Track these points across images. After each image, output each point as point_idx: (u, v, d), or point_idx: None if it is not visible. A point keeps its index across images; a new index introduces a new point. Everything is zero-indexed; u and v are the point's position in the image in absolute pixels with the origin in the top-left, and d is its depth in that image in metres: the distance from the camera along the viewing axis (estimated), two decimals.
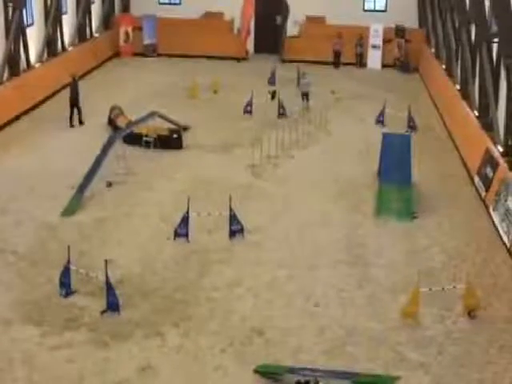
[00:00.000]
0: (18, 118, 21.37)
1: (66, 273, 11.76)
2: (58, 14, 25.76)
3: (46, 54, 25.19)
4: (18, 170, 17.23)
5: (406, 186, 15.81)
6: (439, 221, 15.19)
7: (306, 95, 23.04)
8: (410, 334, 11.02)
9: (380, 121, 22.10)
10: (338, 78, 28.51)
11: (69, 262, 11.76)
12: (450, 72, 24.66)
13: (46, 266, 12.62)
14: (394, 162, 16.37)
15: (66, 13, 27.24)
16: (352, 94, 25.85)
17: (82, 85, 25.89)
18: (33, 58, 23.96)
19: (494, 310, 11.70)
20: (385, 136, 17.27)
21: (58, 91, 24.39)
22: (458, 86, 22.98)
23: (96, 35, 30.26)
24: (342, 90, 26.14)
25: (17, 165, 17.58)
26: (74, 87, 20.96)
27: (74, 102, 20.84)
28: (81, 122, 20.99)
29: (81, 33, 28.54)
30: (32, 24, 24.36)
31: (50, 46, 25.37)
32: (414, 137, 18.98)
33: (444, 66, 25.86)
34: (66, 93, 24.70)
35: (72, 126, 20.75)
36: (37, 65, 24.06)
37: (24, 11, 22.91)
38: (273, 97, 23.72)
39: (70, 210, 15.00)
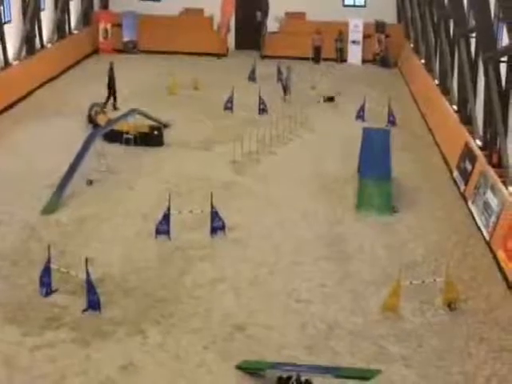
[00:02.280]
0: None
1: (46, 272, 11.68)
2: (36, 11, 25.52)
3: (24, 52, 24.93)
4: None
5: (385, 181, 15.86)
6: (419, 215, 15.31)
7: (286, 88, 23.73)
8: (390, 327, 11.11)
9: (360, 116, 22.19)
10: (319, 73, 28.55)
11: (49, 260, 11.68)
12: (429, 67, 24.82)
13: (27, 266, 12.53)
14: (374, 157, 16.37)
15: (44, 9, 26.99)
16: (332, 89, 25.89)
17: (60, 82, 25.93)
18: (11, 55, 23.69)
19: (474, 303, 11.83)
20: (365, 131, 17.31)
21: (35, 89, 24.20)
22: (437, 81, 23.13)
23: (75, 32, 30.03)
24: (322, 86, 26.18)
25: None
26: (111, 73, 22.17)
27: (111, 88, 22.09)
28: (115, 108, 21.83)
29: (59, 30, 28.30)
30: (10, 21, 24.12)
31: (29, 43, 25.12)
32: (394, 131, 19.08)
33: (423, 61, 26.02)
34: (44, 90, 24.66)
35: (115, 108, 21.89)
36: (14, 62, 23.81)
37: (1, 8, 22.65)
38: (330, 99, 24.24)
39: (49, 209, 14.90)
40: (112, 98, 22.26)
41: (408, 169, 17.93)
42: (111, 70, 22.36)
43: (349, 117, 22.36)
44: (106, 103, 21.83)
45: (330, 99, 23.75)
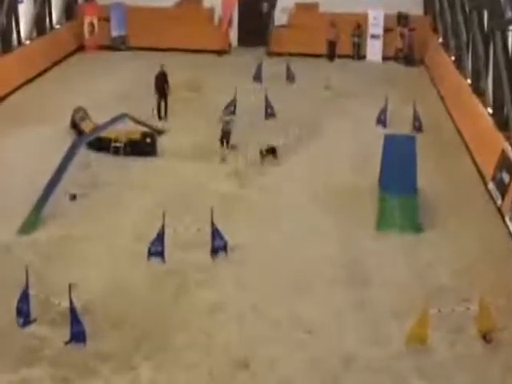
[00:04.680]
0: None
1: (23, 299, 11.77)
2: (12, 3, 25.81)
3: None
4: None
5: (410, 195, 15.90)
6: (448, 233, 15.35)
7: (226, 136, 19.12)
8: (416, 361, 11.13)
9: (381, 121, 22.24)
10: (333, 72, 28.69)
11: (27, 286, 11.78)
12: (459, 64, 24.92)
13: (1, 292, 12.61)
14: (397, 168, 16.43)
15: (22, 2, 27.29)
16: (349, 90, 26.02)
17: (39, 84, 26.14)
18: None
19: (511, 333, 11.84)
20: (386, 138, 17.37)
21: (11, 92, 24.41)
22: (469, 80, 23.23)
23: (57, 27, 30.31)
24: (337, 86, 26.31)
25: None
26: (161, 77, 21.97)
27: (162, 93, 22.02)
28: (165, 115, 22.15)
29: (39, 24, 28.58)
30: None
31: (4, 39, 25.38)
32: (420, 138, 19.11)
33: (453, 58, 26.13)
34: (21, 93, 24.82)
35: (160, 118, 21.94)
36: None
37: None
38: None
39: (27, 228, 15.00)
40: (163, 107, 22.20)
41: (436, 181, 17.97)
42: (162, 72, 22.04)
43: (368, 122, 22.39)
44: (159, 114, 21.94)
45: (271, 152, 18.75)
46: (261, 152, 18.69)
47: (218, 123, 18.91)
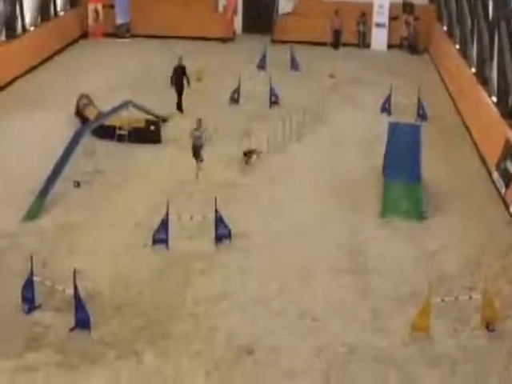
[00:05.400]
0: None
1: (28, 286, 11.77)
2: None
3: (3, 36, 25.10)
4: None
5: (414, 183, 15.88)
6: (452, 222, 15.30)
7: (197, 151, 17.56)
8: (419, 351, 11.11)
9: (386, 109, 22.19)
10: (338, 60, 28.58)
11: (32, 273, 11.77)
12: (464, 53, 24.78)
13: (6, 278, 12.61)
14: (402, 156, 16.42)
15: None
16: (353, 78, 25.93)
17: (43, 71, 26.08)
18: None
19: None
20: (391, 126, 17.34)
21: (15, 79, 24.35)
22: (473, 69, 23.10)
23: (61, 14, 30.20)
24: (341, 74, 26.21)
25: None
26: (179, 70, 21.36)
27: (180, 88, 21.44)
28: (180, 110, 21.59)
29: (44, 11, 28.47)
30: None
31: (8, 26, 25.29)
32: (424, 127, 19.05)
33: (458, 46, 25.99)
34: (26, 80, 24.76)
35: (182, 111, 21.52)
36: None
37: None
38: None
39: (31, 215, 15.00)
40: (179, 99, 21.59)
41: (440, 169, 17.92)
42: (180, 65, 21.46)
43: (372, 110, 22.34)
44: (180, 107, 21.52)
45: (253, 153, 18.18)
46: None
47: (188, 139, 17.66)
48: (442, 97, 24.46)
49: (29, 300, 11.77)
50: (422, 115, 21.75)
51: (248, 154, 18.01)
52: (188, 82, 21.42)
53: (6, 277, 12.70)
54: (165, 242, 13.89)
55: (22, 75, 24.92)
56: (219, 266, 13.43)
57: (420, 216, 15.33)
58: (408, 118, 20.88)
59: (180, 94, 21.65)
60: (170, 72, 21.73)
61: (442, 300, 11.70)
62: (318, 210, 15.72)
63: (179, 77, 21.41)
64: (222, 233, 14.16)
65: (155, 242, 13.92)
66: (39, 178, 15.89)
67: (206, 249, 13.93)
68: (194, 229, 14.39)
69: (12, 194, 15.90)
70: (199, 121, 17.35)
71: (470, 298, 11.91)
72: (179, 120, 20.97)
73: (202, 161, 17.28)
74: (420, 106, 21.90)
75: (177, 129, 20.22)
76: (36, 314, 11.72)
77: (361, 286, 12.81)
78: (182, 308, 12.05)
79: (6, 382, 10.17)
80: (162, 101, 21.98)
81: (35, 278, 11.80)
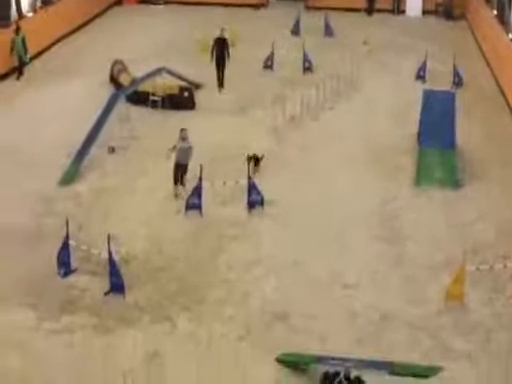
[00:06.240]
0: (5, 76, 21.37)
1: (64, 250, 11.82)
2: None
3: (39, 3, 25.06)
4: (7, 135, 17.22)
5: (449, 151, 15.69)
6: (488, 190, 15.03)
7: (183, 169, 14.21)
8: (453, 318, 10.97)
9: (421, 76, 21.87)
10: (372, 26, 28.13)
11: (68, 237, 11.81)
12: (501, 19, 24.17)
13: (43, 242, 12.70)
14: (437, 123, 16.26)
15: None
16: (388, 45, 25.50)
17: (78, 37, 26.07)
18: (25, 7, 23.80)
19: None
20: (426, 93, 17.12)
21: (51, 45, 24.36)
22: (511, 35, 22.55)
23: None
24: (376, 41, 25.76)
25: (6, 130, 17.59)
26: (220, 43, 20.38)
27: (221, 61, 20.45)
28: (222, 84, 20.61)
29: None
30: None
31: None
32: (460, 94, 18.74)
33: (495, 12, 25.37)
34: (61, 47, 24.77)
35: (220, 86, 20.54)
36: (29, 14, 23.94)
37: None
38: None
39: (67, 180, 15.05)
40: (220, 76, 20.53)
41: (476, 136, 17.59)
42: (222, 40, 20.34)
43: (407, 77, 22.03)
44: (221, 82, 20.50)
45: (256, 159, 15.43)
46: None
47: (167, 157, 14.15)
48: (478, 64, 23.99)
49: (65, 264, 11.83)
50: (457, 82, 21.39)
51: (254, 160, 15.07)
52: (228, 55, 20.45)
53: (42, 241, 12.76)
54: (198, 207, 13.84)
55: (58, 41, 24.92)
56: (252, 232, 13.37)
57: (455, 184, 15.10)
58: (443, 85, 20.53)
59: (220, 67, 20.56)
60: (198, 38, 21.36)
61: (477, 268, 11.53)
62: (351, 177, 15.55)
63: (220, 49, 20.38)
64: (255, 199, 14.08)
65: (189, 207, 13.87)
66: (75, 143, 15.94)
67: (238, 215, 13.86)
68: (227, 195, 14.32)
69: (48, 158, 15.95)
70: (184, 131, 13.83)
71: (505, 266, 11.72)
72: (213, 86, 20.81)
73: (183, 185, 13.52)
74: (456, 72, 21.52)
75: (210, 95, 20.09)
76: (72, 278, 11.78)
77: (395, 254, 12.67)
78: (215, 273, 12.03)
79: (43, 344, 10.25)
80: (195, 68, 21.82)
81: (71, 242, 11.85)
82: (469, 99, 19.99)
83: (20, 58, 21.39)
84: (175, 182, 13.39)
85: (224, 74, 20.53)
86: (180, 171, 13.29)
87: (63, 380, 9.56)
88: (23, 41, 21.33)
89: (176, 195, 13.83)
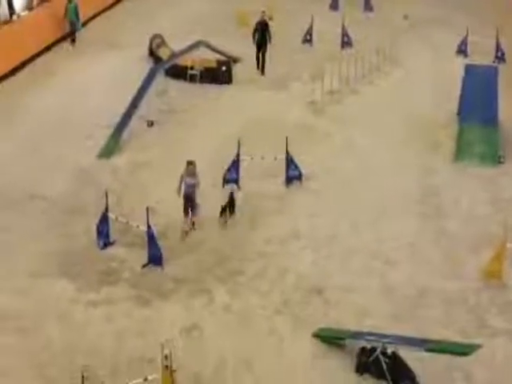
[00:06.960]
0: (48, 48, 21.48)
1: (103, 221, 11.88)
2: None
3: None
4: (49, 107, 17.36)
5: (491, 126, 15.38)
6: None
7: (191, 202, 12.51)
8: (492, 296, 10.81)
9: (462, 50, 21.51)
10: (412, 1, 27.51)
11: (107, 209, 11.86)
12: None
13: (81, 214, 12.79)
14: (478, 98, 15.99)
15: None
16: (428, 19, 24.99)
17: (118, 11, 26.02)
18: None
19: None
20: (467, 68, 16.79)
21: (90, 19, 24.37)
22: None
23: None
24: (416, 15, 25.31)
25: (47, 102, 17.71)
26: (261, 26, 19.65)
27: (263, 46, 19.73)
28: (263, 68, 19.90)
29: None
30: None
31: None
32: (503, 69, 18.32)
33: None
34: (100, 20, 24.74)
35: (259, 68, 19.92)
36: None
37: None
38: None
39: (106, 153, 15.11)
40: (261, 59, 19.77)
41: None
42: (264, 23, 19.53)
43: (448, 51, 21.64)
44: (263, 67, 19.70)
45: (230, 206, 12.92)
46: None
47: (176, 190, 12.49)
48: None
49: (104, 236, 11.90)
50: (500, 57, 20.94)
51: (224, 212, 12.86)
52: (270, 39, 19.72)
53: (81, 213, 12.85)
54: (235, 181, 13.78)
55: (97, 15, 24.91)
56: (290, 206, 13.29)
57: (496, 160, 14.81)
58: (485, 59, 20.18)
59: (260, 50, 19.85)
60: (236, 11, 20.93)
61: None
62: (391, 152, 15.34)
63: (261, 33, 19.67)
64: (293, 174, 13.98)
65: (226, 181, 13.82)
66: (115, 115, 15.99)
67: (276, 190, 13.79)
68: (265, 169, 14.22)
69: (89, 129, 16.02)
70: (191, 164, 12.44)
71: None
72: (250, 61, 20.64)
73: (195, 215, 12.48)
74: (498, 47, 21.05)
75: (248, 69, 19.94)
76: (111, 250, 11.86)
77: (434, 230, 12.51)
78: (252, 247, 11.99)
79: (83, 315, 10.35)
80: (233, 41, 21.65)
81: (110, 215, 11.90)
82: (511, 74, 19.51)
83: (72, 25, 21.96)
84: (185, 214, 12.54)
85: (265, 59, 19.93)
86: (188, 203, 12.48)
87: (103, 350, 9.64)
88: (75, 8, 21.91)
89: (185, 232, 12.41)
